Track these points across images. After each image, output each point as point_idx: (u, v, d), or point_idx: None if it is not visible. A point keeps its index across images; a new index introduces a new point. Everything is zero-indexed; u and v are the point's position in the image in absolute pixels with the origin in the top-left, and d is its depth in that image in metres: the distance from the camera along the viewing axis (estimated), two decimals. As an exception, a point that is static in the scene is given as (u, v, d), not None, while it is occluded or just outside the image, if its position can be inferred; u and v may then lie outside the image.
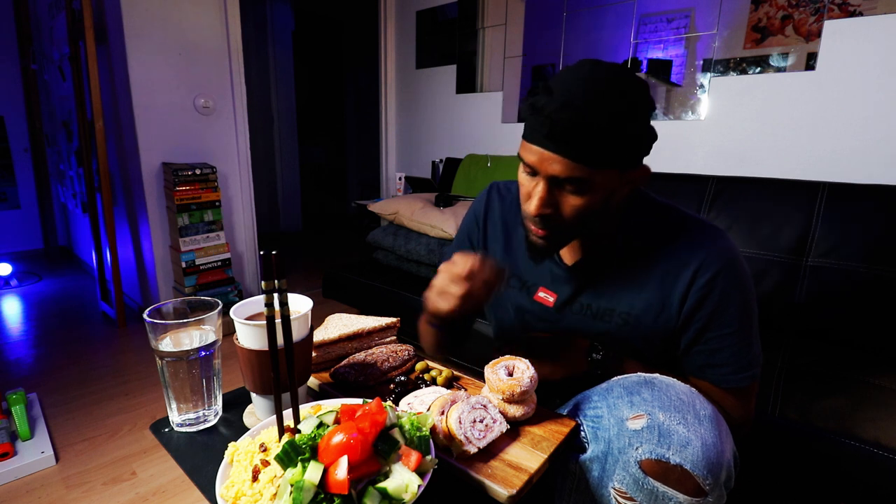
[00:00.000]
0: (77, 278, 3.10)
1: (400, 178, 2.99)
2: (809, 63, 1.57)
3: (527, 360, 0.64)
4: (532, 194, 0.64)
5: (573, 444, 0.62)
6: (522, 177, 0.67)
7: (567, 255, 0.78)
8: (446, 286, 0.66)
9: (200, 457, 0.60)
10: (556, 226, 0.66)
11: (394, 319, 0.84)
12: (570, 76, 0.60)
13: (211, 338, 0.65)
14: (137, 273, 2.48)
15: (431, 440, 0.51)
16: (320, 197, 5.43)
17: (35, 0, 3.06)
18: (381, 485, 0.43)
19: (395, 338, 0.84)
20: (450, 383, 0.72)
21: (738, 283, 0.68)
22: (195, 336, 0.65)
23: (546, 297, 0.79)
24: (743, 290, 0.68)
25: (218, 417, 0.68)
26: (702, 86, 1.81)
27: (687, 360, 0.72)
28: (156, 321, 0.62)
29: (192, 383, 0.64)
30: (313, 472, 0.42)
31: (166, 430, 0.66)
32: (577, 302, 0.77)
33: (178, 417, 0.65)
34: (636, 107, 0.60)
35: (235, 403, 0.72)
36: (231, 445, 0.52)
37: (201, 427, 0.66)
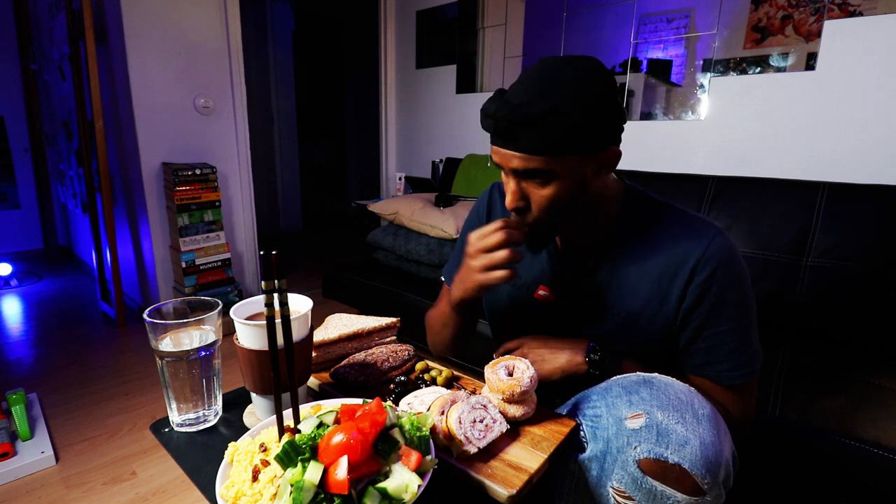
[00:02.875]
0: (77, 278, 3.10)
1: (400, 178, 2.99)
2: (809, 63, 1.57)
3: (527, 360, 0.64)
4: (507, 192, 0.68)
5: (573, 444, 0.62)
6: (503, 177, 0.70)
7: (566, 253, 0.78)
8: (491, 256, 0.68)
9: (200, 457, 0.60)
10: (533, 221, 0.68)
11: (394, 319, 0.84)
12: (522, 75, 0.64)
13: (211, 338, 0.65)
14: (137, 273, 2.48)
15: (431, 440, 0.51)
16: (320, 197, 5.43)
17: (35, 0, 3.06)
18: (381, 485, 0.43)
19: (395, 338, 0.84)
20: (450, 383, 0.73)
21: (736, 280, 0.68)
22: (195, 336, 0.65)
23: (545, 295, 0.80)
24: (741, 286, 0.68)
25: (218, 417, 0.68)
26: (702, 86, 1.81)
27: (686, 358, 0.72)
28: (156, 321, 0.62)
29: (192, 383, 0.64)
30: (313, 472, 0.42)
31: (166, 430, 0.66)
32: (576, 300, 0.77)
33: (178, 417, 0.65)
34: (585, 90, 0.60)
35: (235, 403, 0.72)
36: (231, 445, 0.52)
37: (201, 427, 0.66)
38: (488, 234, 0.68)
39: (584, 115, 0.59)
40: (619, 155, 0.67)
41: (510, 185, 0.67)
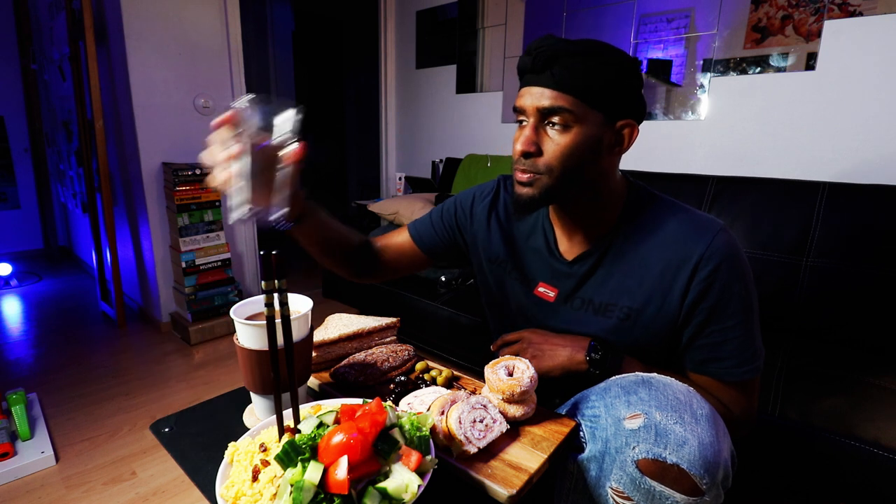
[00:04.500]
0: (77, 278, 3.10)
1: (400, 178, 2.99)
2: (809, 63, 1.57)
3: (527, 360, 0.64)
4: (520, 138, 0.68)
5: (572, 444, 0.62)
6: (515, 134, 0.71)
7: (567, 250, 0.78)
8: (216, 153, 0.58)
9: (200, 457, 0.60)
10: (540, 170, 0.68)
11: (394, 319, 0.84)
12: None
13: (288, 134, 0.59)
14: (137, 273, 2.48)
15: (431, 440, 0.51)
16: (320, 197, 5.41)
17: (35, 0, 3.06)
18: (381, 485, 0.43)
19: (395, 338, 0.84)
20: (450, 383, 0.73)
21: (739, 276, 0.68)
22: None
23: (546, 291, 0.79)
24: (744, 282, 0.68)
25: (282, 214, 0.62)
26: (702, 86, 1.81)
27: (688, 355, 0.72)
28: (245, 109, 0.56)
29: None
30: (313, 472, 0.42)
31: (166, 430, 0.66)
32: (577, 297, 0.77)
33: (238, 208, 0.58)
34: (620, 54, 0.65)
35: (235, 403, 0.72)
36: (231, 445, 0.52)
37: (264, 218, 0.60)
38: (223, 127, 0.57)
39: (616, 70, 0.64)
40: (635, 133, 0.69)
41: (526, 131, 0.67)
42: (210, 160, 0.58)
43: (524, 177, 0.69)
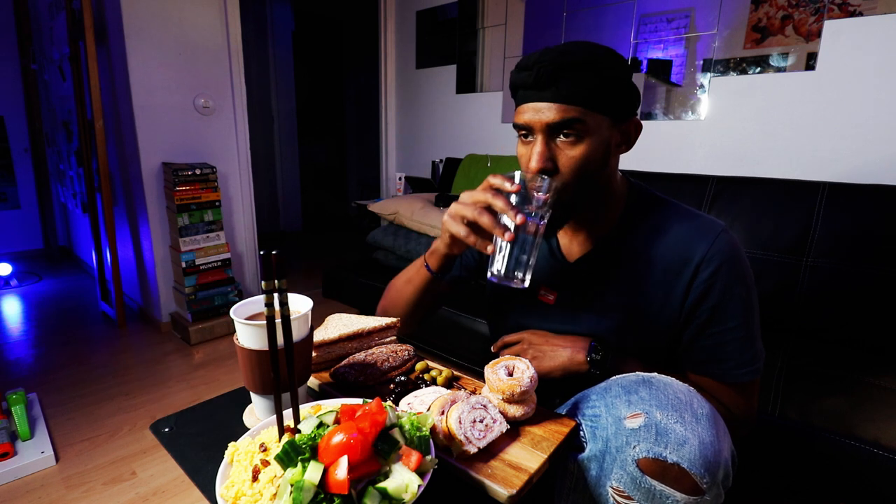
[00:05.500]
0: (77, 278, 3.10)
1: (400, 178, 2.99)
2: (809, 63, 1.57)
3: (527, 360, 0.63)
4: (531, 155, 0.66)
5: (573, 444, 0.62)
6: (520, 149, 0.69)
7: (569, 251, 0.78)
8: (478, 215, 0.63)
9: (200, 457, 0.60)
10: (559, 185, 0.67)
11: (394, 319, 0.84)
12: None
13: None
14: (137, 273, 2.48)
15: (431, 440, 0.51)
16: (320, 197, 5.43)
17: (35, 0, 3.06)
18: (381, 485, 0.43)
19: (395, 338, 0.84)
20: (450, 383, 0.73)
21: (741, 277, 0.68)
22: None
23: (547, 294, 0.80)
24: (745, 284, 0.69)
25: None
26: (702, 86, 1.81)
27: (689, 356, 0.72)
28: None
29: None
30: (313, 472, 0.42)
31: (166, 430, 0.66)
32: (578, 298, 0.77)
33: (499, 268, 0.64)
34: (611, 56, 0.65)
35: (235, 403, 0.72)
36: (231, 445, 0.52)
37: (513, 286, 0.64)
38: (497, 192, 0.63)
39: (618, 72, 0.64)
40: (639, 127, 0.69)
41: (537, 147, 0.65)
42: (482, 221, 0.62)
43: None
